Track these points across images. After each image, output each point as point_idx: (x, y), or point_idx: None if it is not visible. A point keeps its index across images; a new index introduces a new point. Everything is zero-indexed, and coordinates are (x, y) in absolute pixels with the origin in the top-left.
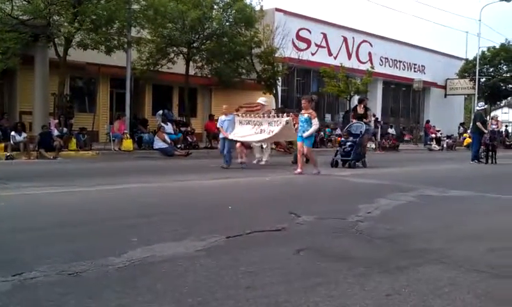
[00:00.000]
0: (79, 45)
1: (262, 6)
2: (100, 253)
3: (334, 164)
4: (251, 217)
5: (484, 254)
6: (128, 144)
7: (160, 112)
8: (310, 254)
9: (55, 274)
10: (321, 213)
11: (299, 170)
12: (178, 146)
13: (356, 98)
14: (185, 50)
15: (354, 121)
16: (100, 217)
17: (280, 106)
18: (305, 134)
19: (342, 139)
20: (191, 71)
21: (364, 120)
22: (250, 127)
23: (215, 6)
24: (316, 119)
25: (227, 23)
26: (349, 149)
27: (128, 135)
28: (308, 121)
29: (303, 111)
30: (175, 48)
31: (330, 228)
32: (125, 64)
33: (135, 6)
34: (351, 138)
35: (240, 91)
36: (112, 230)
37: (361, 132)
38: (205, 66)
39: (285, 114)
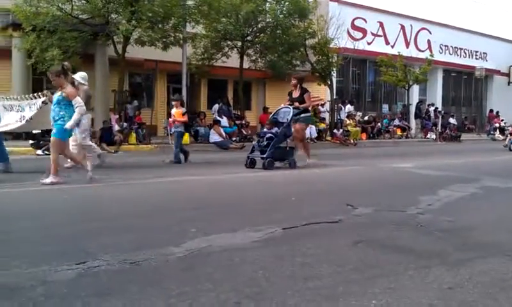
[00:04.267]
0: (136, 42)
1: None
2: (159, 243)
3: (249, 164)
4: (306, 209)
5: None
6: (184, 137)
7: (216, 106)
8: (368, 246)
9: (117, 263)
10: (379, 206)
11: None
12: (234, 139)
13: (415, 89)
14: (239, 43)
15: (283, 105)
16: (159, 209)
17: (335, 97)
18: (66, 125)
19: (263, 129)
20: (245, 65)
21: (297, 105)
22: (14, 113)
23: None
24: (78, 99)
25: (281, 16)
26: (266, 143)
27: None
28: (66, 105)
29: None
30: (229, 43)
31: (389, 220)
32: (180, 59)
33: (190, 2)
34: (275, 129)
35: None
36: (170, 221)
37: (287, 119)
38: (259, 59)
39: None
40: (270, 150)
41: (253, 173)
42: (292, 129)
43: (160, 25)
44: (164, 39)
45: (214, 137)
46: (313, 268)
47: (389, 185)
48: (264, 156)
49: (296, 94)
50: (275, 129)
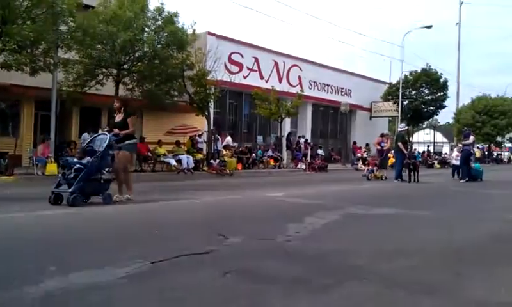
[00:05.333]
0: (2, 66)
1: (194, 30)
2: (13, 283)
3: (53, 200)
4: (178, 241)
5: (405, 271)
6: (52, 168)
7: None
8: (238, 276)
9: None
10: (250, 234)
11: None
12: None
13: (287, 121)
14: (114, 71)
15: (101, 132)
16: (15, 245)
17: (212, 128)
18: None
19: (73, 158)
20: (121, 93)
21: (117, 132)
22: None
23: (146, 29)
24: None
25: (159, 46)
26: (74, 175)
27: (52, 159)
28: None
29: None
30: (104, 70)
31: (258, 249)
32: (51, 85)
33: (63, 27)
34: (86, 158)
35: (173, 114)
36: (28, 258)
37: (103, 148)
38: (136, 88)
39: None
40: (77, 184)
41: (131, 205)
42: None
43: (29, 50)
44: (33, 64)
45: None
46: (181, 302)
47: (261, 213)
48: (70, 190)
49: (118, 118)
50: (86, 159)
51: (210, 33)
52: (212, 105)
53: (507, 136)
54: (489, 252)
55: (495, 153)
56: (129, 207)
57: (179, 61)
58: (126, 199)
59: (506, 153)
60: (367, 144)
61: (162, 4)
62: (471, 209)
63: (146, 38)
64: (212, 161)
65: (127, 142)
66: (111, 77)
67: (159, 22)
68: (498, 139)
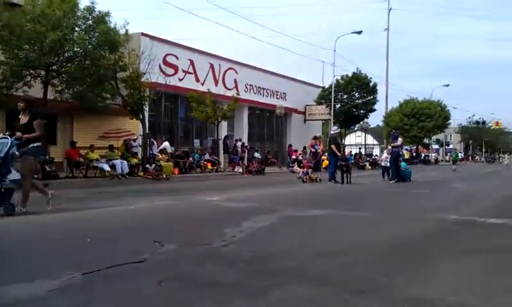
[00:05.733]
0: None
1: (127, 30)
2: None
3: None
4: (112, 249)
5: (339, 270)
6: None
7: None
8: (173, 284)
9: None
10: (186, 240)
11: None
12: (36, 176)
13: (224, 125)
14: (43, 73)
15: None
16: None
17: (147, 131)
18: None
19: None
20: (50, 96)
21: (19, 135)
22: None
23: (76, 28)
24: None
25: (90, 46)
26: None
27: None
28: None
29: None
30: (32, 71)
31: (194, 255)
32: None
33: None
34: None
35: (105, 116)
36: None
37: (4, 153)
38: (66, 90)
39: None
40: None
41: (60, 213)
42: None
43: None
44: None
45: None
46: None
47: (197, 218)
48: None
49: (23, 120)
50: None
51: (144, 34)
52: (146, 108)
53: (434, 138)
54: (420, 251)
55: (423, 155)
56: (60, 215)
57: (111, 62)
58: (20, 210)
59: (433, 155)
60: (304, 147)
61: (92, 3)
62: (401, 209)
63: (77, 38)
64: (147, 166)
65: (30, 145)
66: (39, 79)
67: (90, 22)
68: (426, 140)
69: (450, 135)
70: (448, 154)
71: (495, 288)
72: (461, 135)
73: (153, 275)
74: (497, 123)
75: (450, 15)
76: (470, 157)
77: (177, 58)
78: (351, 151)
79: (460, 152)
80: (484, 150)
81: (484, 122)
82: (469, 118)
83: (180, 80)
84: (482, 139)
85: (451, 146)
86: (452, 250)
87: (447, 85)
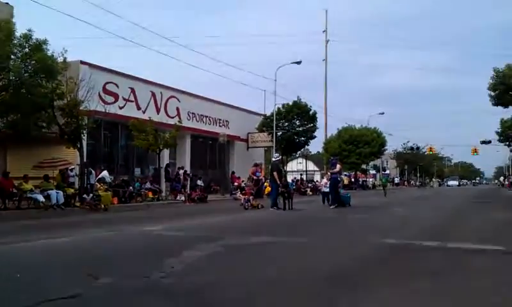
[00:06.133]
0: None
1: (65, 58)
2: None
3: None
4: (42, 284)
5: (280, 300)
6: None
7: None
8: None
9: None
10: (123, 273)
11: None
12: None
13: (166, 153)
14: None
15: None
16: None
17: (85, 160)
18: None
19: None
20: None
21: None
22: None
23: (12, 56)
24: None
25: (26, 74)
26: None
27: None
28: None
29: None
30: None
31: (131, 289)
32: None
33: None
34: None
35: (41, 146)
36: None
37: None
38: (0, 119)
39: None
40: None
41: None
42: None
43: None
44: None
45: None
46: None
47: (136, 249)
48: None
49: None
50: None
51: (83, 62)
52: (84, 137)
53: (371, 164)
54: (361, 276)
55: (361, 180)
56: None
57: (48, 91)
58: None
59: (371, 180)
60: (250, 175)
61: (30, 30)
62: (342, 234)
63: (12, 66)
64: (84, 196)
65: None
66: None
67: (27, 50)
68: (363, 166)
69: (387, 161)
70: (378, 179)
71: None
72: (397, 160)
73: None
74: (431, 148)
75: (384, 46)
76: (405, 182)
77: (117, 86)
78: (295, 178)
79: (396, 177)
80: (418, 174)
81: (418, 148)
82: (404, 144)
83: (121, 108)
84: (416, 164)
85: (387, 171)
86: (388, 274)
87: (382, 113)
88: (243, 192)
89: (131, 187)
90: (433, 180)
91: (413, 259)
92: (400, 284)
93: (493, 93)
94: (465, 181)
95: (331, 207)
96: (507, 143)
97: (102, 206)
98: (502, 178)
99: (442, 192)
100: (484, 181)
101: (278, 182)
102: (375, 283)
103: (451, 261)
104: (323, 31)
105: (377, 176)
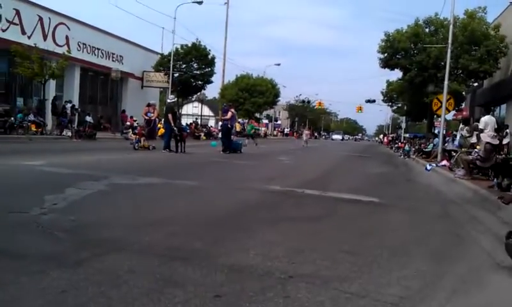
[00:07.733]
0: None
1: None
2: None
3: None
4: None
5: (164, 239)
6: None
7: None
8: None
9: None
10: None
11: None
12: None
13: (52, 84)
14: None
15: None
16: None
17: None
18: None
19: None
20: None
21: None
22: None
23: None
24: None
25: None
26: None
27: None
28: None
29: None
30: None
31: (9, 224)
32: None
33: None
34: None
35: None
36: None
37: None
38: None
39: None
40: None
41: None
42: None
43: None
44: None
45: None
46: None
47: (15, 184)
48: None
49: None
50: None
51: None
52: None
53: (265, 113)
54: (245, 218)
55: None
56: None
57: None
58: None
59: (263, 129)
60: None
61: None
62: (230, 179)
63: None
64: None
65: None
66: None
67: None
68: (257, 115)
69: (279, 112)
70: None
71: (307, 253)
72: (289, 112)
73: None
74: (320, 103)
75: None
76: (294, 133)
77: (1, 7)
78: (191, 122)
79: (287, 128)
80: (308, 127)
81: (309, 101)
82: (296, 96)
83: (4, 30)
84: (306, 117)
85: (279, 122)
86: (271, 218)
87: (279, 64)
88: (135, 132)
89: (12, 118)
90: (305, 132)
91: (294, 205)
92: (282, 226)
93: (382, 56)
94: (348, 136)
95: (223, 153)
96: (390, 104)
97: None
98: (381, 136)
99: (328, 145)
100: (366, 138)
101: (172, 124)
102: (258, 226)
103: (328, 208)
104: None
105: (269, 125)
